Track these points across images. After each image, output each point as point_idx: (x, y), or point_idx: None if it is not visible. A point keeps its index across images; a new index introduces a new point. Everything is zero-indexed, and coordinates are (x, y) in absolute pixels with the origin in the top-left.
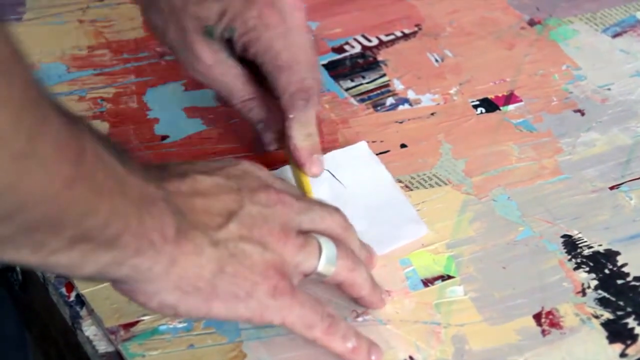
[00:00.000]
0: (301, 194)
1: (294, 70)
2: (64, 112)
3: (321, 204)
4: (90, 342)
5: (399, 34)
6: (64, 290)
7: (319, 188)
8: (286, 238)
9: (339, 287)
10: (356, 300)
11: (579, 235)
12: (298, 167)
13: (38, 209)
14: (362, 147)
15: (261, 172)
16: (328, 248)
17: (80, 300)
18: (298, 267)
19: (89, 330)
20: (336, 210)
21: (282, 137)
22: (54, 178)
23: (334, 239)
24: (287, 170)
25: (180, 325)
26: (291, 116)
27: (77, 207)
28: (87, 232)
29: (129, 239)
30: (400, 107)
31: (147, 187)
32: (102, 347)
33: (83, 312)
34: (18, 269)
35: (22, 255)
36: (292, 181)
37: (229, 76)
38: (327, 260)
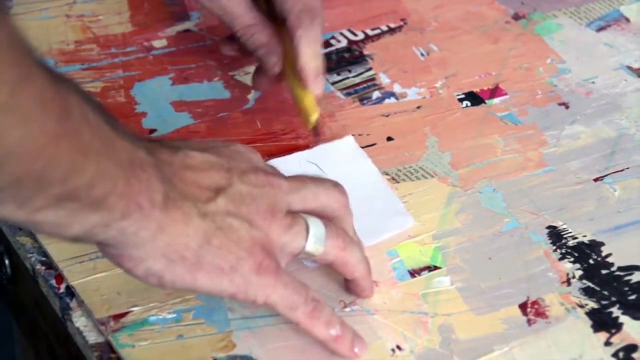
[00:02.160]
0: (288, 176)
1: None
2: (49, 71)
3: (316, 180)
4: (81, 333)
5: (384, 28)
6: (53, 282)
7: None
8: (272, 218)
9: (333, 269)
10: (349, 285)
11: (564, 226)
12: (303, 86)
13: (22, 163)
14: (348, 141)
15: (253, 154)
16: (316, 227)
17: (70, 292)
18: (285, 248)
19: (79, 321)
20: (335, 185)
21: (284, 61)
22: (38, 133)
23: (329, 216)
24: (281, 162)
25: (170, 316)
26: (298, 34)
27: (62, 164)
28: (73, 191)
29: (116, 201)
30: (387, 101)
31: (136, 152)
32: (92, 337)
33: (73, 304)
34: (7, 262)
35: (8, 210)
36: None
37: (236, 2)
38: (315, 240)
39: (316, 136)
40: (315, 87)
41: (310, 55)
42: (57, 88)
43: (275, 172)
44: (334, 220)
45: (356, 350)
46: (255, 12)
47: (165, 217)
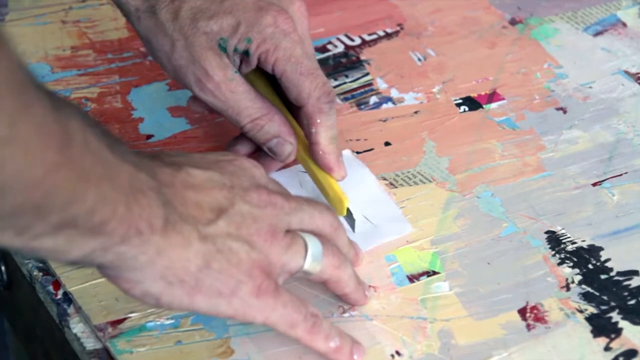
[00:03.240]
0: (290, 194)
1: (316, 75)
2: (50, 97)
3: (311, 203)
4: (78, 339)
5: (381, 33)
6: (51, 288)
7: (304, 189)
8: (273, 239)
9: (324, 284)
10: (340, 298)
11: (563, 231)
12: (325, 171)
13: (21, 193)
14: (345, 154)
15: (256, 170)
16: (314, 246)
17: (68, 298)
18: (285, 267)
19: (76, 327)
20: (327, 209)
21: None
22: (37, 164)
23: (322, 237)
24: (277, 175)
25: (168, 322)
26: (318, 121)
27: (62, 193)
28: (73, 218)
29: (116, 227)
30: (384, 106)
31: (137, 175)
32: (90, 344)
33: (70, 310)
34: (3, 269)
35: (6, 238)
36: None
37: (238, 93)
38: (313, 259)
39: (352, 220)
40: (339, 171)
41: (329, 141)
42: (57, 115)
43: (276, 190)
44: (327, 240)
45: (355, 357)
46: (261, 101)
47: (164, 241)
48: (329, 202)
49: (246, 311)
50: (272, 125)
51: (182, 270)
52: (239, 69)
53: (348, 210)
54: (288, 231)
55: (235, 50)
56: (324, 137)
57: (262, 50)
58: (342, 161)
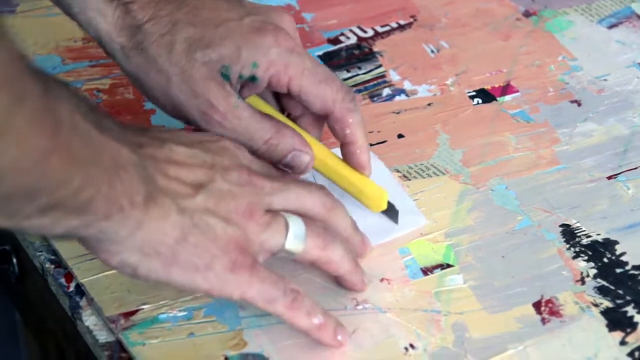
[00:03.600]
0: (278, 175)
1: (333, 79)
2: (42, 82)
3: (300, 184)
4: (91, 332)
5: (394, 25)
6: (63, 281)
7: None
8: (251, 216)
9: (317, 268)
10: (339, 281)
11: (578, 225)
12: (359, 169)
13: (13, 181)
14: None
15: (239, 151)
16: (296, 226)
17: (80, 291)
18: (263, 245)
19: (89, 320)
20: (319, 189)
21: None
22: (30, 152)
23: (310, 218)
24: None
25: (181, 314)
26: (351, 120)
27: (52, 178)
28: (60, 200)
29: (100, 205)
30: (397, 98)
31: (120, 152)
32: (103, 337)
33: (83, 303)
34: (15, 261)
35: None
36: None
37: (245, 119)
38: (295, 238)
39: (395, 212)
40: (370, 168)
41: (364, 139)
42: (49, 101)
43: (259, 171)
44: (320, 222)
45: (339, 338)
46: (268, 120)
47: (144, 215)
48: (366, 202)
49: (222, 286)
50: (286, 141)
51: (159, 243)
52: (240, 94)
53: (389, 203)
54: (269, 211)
55: (241, 77)
56: (359, 135)
57: (273, 73)
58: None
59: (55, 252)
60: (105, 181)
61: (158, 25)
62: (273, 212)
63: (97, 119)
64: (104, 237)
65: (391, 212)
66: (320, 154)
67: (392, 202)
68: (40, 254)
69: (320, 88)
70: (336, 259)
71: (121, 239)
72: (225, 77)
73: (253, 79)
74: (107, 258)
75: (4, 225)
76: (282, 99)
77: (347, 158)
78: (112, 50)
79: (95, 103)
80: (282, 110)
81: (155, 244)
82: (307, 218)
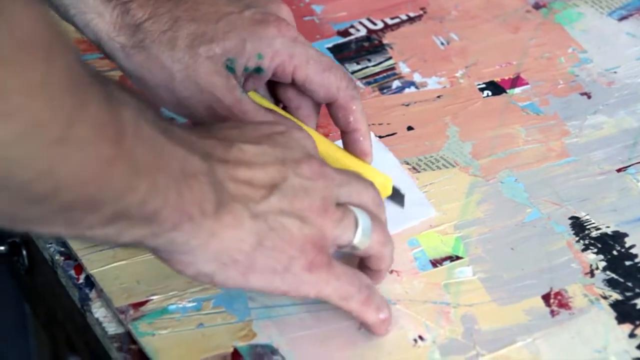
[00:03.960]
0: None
1: (337, 68)
2: (104, 87)
3: (358, 177)
4: (100, 323)
5: (404, 17)
6: (73, 272)
7: None
8: (325, 212)
9: (364, 260)
10: (367, 272)
11: (587, 217)
12: (362, 156)
13: (75, 191)
14: None
15: (307, 141)
16: (364, 221)
17: (90, 282)
18: (335, 240)
19: (98, 312)
20: (371, 184)
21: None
22: (93, 160)
23: (369, 212)
24: None
25: (190, 305)
26: (354, 107)
27: (115, 187)
28: (125, 209)
29: (168, 214)
30: (407, 90)
31: (189, 159)
32: (112, 328)
33: (92, 294)
34: (24, 253)
35: (55, 230)
36: None
37: (249, 112)
38: (363, 233)
39: (400, 195)
40: (371, 155)
41: (366, 126)
42: (111, 107)
43: (325, 162)
44: (374, 216)
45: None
46: (271, 114)
47: (216, 223)
48: None
49: (300, 286)
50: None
51: (235, 251)
52: (243, 87)
53: (394, 187)
54: (338, 204)
55: (246, 69)
56: (362, 121)
57: (278, 63)
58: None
59: (64, 244)
60: (173, 190)
61: (158, 22)
62: (342, 207)
63: (164, 125)
64: (175, 248)
65: (397, 197)
66: (321, 145)
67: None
68: (49, 245)
69: (325, 76)
70: (387, 255)
71: (193, 249)
72: (231, 69)
73: (258, 70)
74: (181, 269)
75: (63, 234)
76: (277, 91)
77: (350, 146)
78: (111, 50)
79: (158, 109)
80: (277, 103)
81: (232, 252)
82: (368, 213)
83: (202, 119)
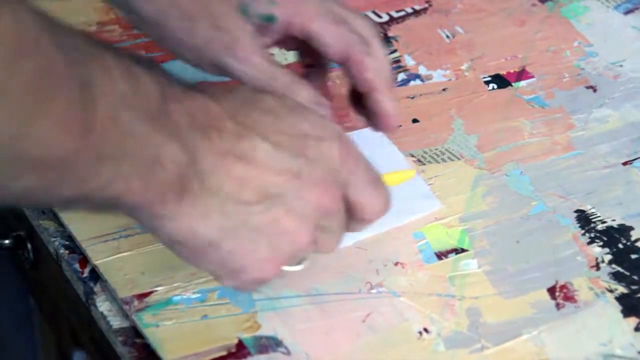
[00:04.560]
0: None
1: (353, 18)
2: (84, 77)
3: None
4: (104, 317)
5: (409, 10)
6: (77, 266)
7: None
8: (302, 244)
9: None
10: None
11: (592, 210)
12: (383, 118)
13: (34, 177)
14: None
15: (343, 157)
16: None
17: (94, 276)
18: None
19: (102, 305)
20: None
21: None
22: (54, 153)
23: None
24: None
25: (194, 296)
26: (367, 62)
27: (77, 175)
28: (85, 194)
29: (128, 199)
30: (412, 83)
31: (165, 148)
32: (117, 322)
33: (97, 288)
34: (29, 247)
35: (9, 201)
36: None
37: (267, 58)
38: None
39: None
40: (396, 114)
41: (388, 83)
42: (84, 101)
43: (349, 197)
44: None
45: None
46: (287, 68)
47: (177, 210)
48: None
49: (243, 287)
50: (307, 90)
51: (189, 239)
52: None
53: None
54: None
55: (258, 16)
56: (380, 78)
57: (290, 12)
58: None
59: (69, 237)
60: (138, 177)
61: None
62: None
63: (161, 109)
64: (141, 223)
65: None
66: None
67: (407, 186)
68: (54, 239)
69: (336, 30)
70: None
71: (156, 227)
72: (244, 12)
73: (270, 18)
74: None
75: (21, 205)
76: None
77: (371, 108)
78: None
79: (174, 80)
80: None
81: (185, 237)
82: None
83: (221, 62)
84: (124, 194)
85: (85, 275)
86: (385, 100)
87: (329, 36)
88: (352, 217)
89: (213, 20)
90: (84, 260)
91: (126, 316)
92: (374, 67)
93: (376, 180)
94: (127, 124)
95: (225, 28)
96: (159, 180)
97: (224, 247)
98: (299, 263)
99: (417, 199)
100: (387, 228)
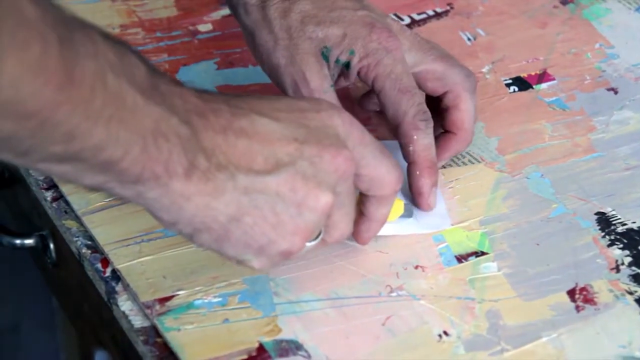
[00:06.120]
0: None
1: (413, 94)
2: (69, 40)
3: (386, 169)
4: (126, 317)
5: (431, 12)
6: (99, 265)
7: None
8: (325, 213)
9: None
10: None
11: (613, 213)
12: (415, 196)
13: (12, 122)
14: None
15: (350, 128)
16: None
17: (116, 276)
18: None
19: (124, 305)
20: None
21: None
22: (29, 98)
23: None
24: None
25: (216, 300)
26: (415, 137)
27: (61, 128)
28: (77, 152)
29: (128, 166)
30: None
31: (165, 120)
32: (138, 322)
33: (118, 288)
34: (51, 247)
35: (6, 157)
36: None
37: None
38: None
39: (408, 210)
40: (427, 200)
41: (428, 162)
42: (65, 56)
43: (360, 160)
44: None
45: None
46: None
47: (188, 187)
48: None
49: (272, 267)
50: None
51: (209, 219)
52: (335, 84)
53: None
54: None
55: (337, 61)
56: (423, 156)
57: (364, 64)
58: (435, 191)
59: (91, 238)
60: (137, 144)
61: None
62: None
63: (152, 84)
64: (146, 203)
65: (406, 211)
66: None
67: None
68: (76, 239)
69: (397, 96)
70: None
71: (165, 206)
72: (325, 57)
73: (347, 65)
74: (166, 227)
75: (17, 163)
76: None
77: (409, 178)
78: (236, 3)
79: (159, 70)
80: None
81: (206, 219)
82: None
83: (286, 91)
84: (123, 160)
85: (107, 274)
86: (421, 178)
87: (389, 100)
88: (369, 193)
89: (293, 51)
90: (106, 260)
91: (147, 316)
92: (421, 144)
93: (385, 151)
94: (117, 87)
95: (300, 63)
96: (163, 151)
97: (246, 221)
98: (316, 238)
99: (430, 217)
100: (395, 233)
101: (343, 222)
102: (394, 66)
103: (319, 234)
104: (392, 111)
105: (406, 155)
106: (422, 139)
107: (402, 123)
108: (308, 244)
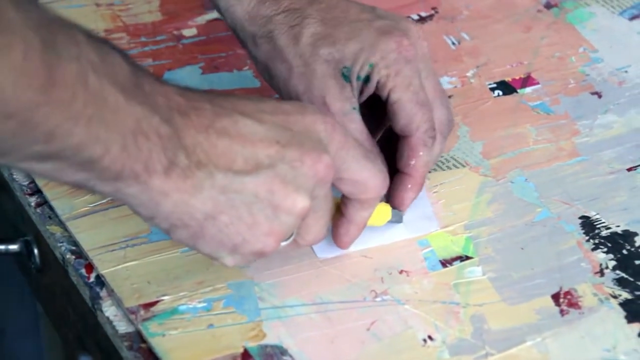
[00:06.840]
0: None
1: (428, 109)
2: (49, 40)
3: (368, 174)
4: (111, 322)
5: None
6: (83, 271)
7: None
8: (301, 216)
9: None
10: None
11: (597, 216)
12: (395, 204)
13: None
14: None
15: (334, 134)
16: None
17: (100, 281)
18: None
19: (109, 310)
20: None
21: None
22: (9, 100)
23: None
24: None
25: (200, 305)
26: (421, 153)
27: (42, 128)
28: (58, 151)
29: (108, 164)
30: None
31: (146, 119)
32: (123, 327)
33: (103, 293)
34: (35, 252)
35: None
36: None
37: (352, 131)
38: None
39: (397, 216)
40: (404, 211)
41: (423, 178)
42: (45, 57)
43: (338, 171)
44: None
45: None
46: (370, 142)
47: (167, 184)
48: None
49: (243, 265)
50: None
51: (187, 216)
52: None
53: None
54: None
55: (358, 78)
56: (421, 172)
57: (383, 75)
58: (412, 201)
59: (75, 243)
60: (117, 143)
61: (289, 17)
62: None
63: (135, 83)
64: (126, 198)
65: (395, 216)
66: None
67: (412, 205)
68: (60, 244)
69: (414, 109)
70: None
71: (143, 202)
72: (346, 77)
73: (367, 79)
74: (145, 221)
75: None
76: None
77: (396, 187)
78: (244, 38)
79: (144, 70)
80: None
81: (183, 216)
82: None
83: None
84: (103, 158)
85: (91, 280)
86: (409, 192)
87: (404, 111)
88: (352, 196)
89: (310, 77)
90: (90, 266)
91: (132, 321)
92: (423, 160)
93: (369, 154)
94: (98, 87)
95: (319, 89)
96: (143, 149)
97: (222, 220)
98: (288, 238)
99: (417, 220)
100: (384, 243)
101: (316, 226)
102: (413, 78)
103: (292, 235)
104: (403, 122)
105: (403, 166)
106: (426, 156)
107: (413, 137)
108: (283, 243)
